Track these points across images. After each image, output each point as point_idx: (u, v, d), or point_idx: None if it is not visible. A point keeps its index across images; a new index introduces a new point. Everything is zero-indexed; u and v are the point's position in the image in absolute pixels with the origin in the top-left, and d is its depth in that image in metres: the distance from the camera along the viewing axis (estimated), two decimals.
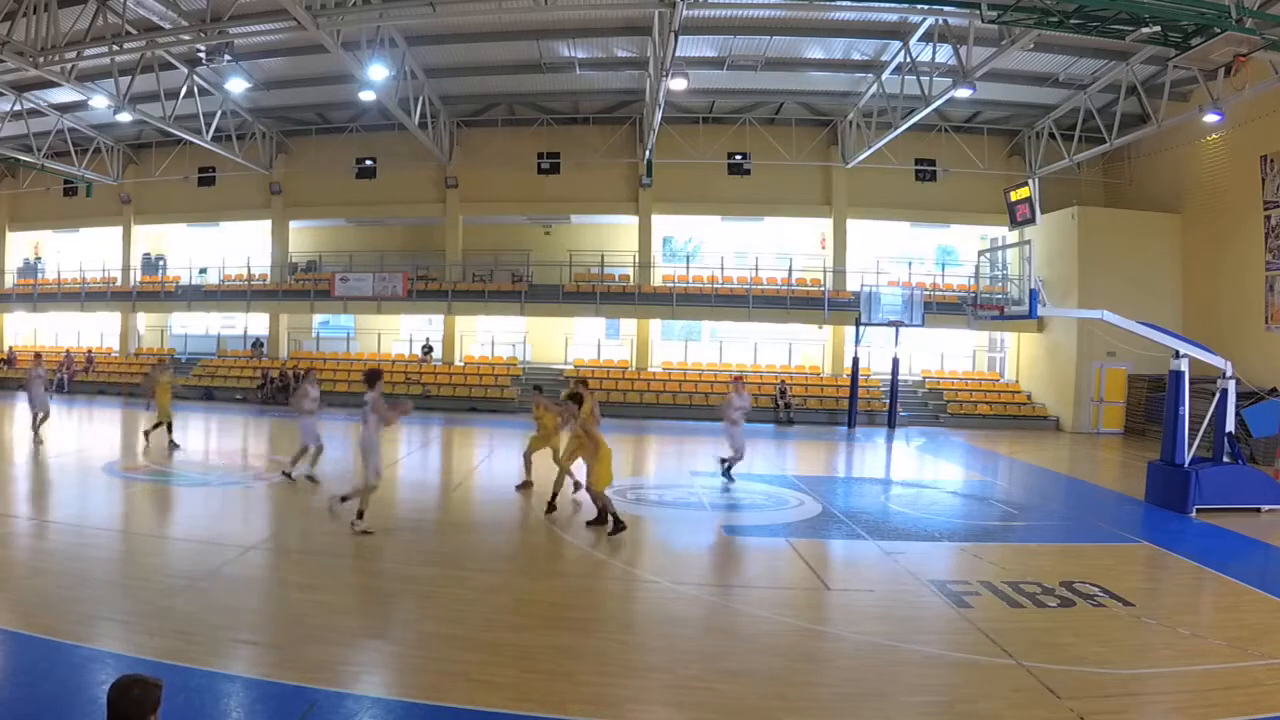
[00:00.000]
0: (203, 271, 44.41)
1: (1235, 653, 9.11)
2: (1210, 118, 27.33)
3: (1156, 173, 35.13)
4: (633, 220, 40.32)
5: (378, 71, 27.38)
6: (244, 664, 8.19)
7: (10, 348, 45.31)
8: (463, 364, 40.51)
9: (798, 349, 40.42)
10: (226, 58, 29.00)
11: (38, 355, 25.82)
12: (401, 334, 43.28)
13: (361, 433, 13.94)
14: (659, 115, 31.47)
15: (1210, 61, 20.01)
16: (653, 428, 30.99)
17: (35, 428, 22.67)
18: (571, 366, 39.68)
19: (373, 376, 14.14)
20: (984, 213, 37.14)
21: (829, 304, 37.49)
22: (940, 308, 36.67)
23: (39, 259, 47.61)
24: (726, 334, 41.47)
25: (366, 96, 29.82)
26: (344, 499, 13.98)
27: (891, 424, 34.08)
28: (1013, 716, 7.55)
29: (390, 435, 28.47)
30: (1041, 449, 28.36)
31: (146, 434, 22.41)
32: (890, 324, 33.74)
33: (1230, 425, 17.87)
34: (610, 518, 13.81)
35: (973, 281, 36.50)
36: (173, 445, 22.20)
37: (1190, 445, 17.50)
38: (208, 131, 35.15)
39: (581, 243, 41.98)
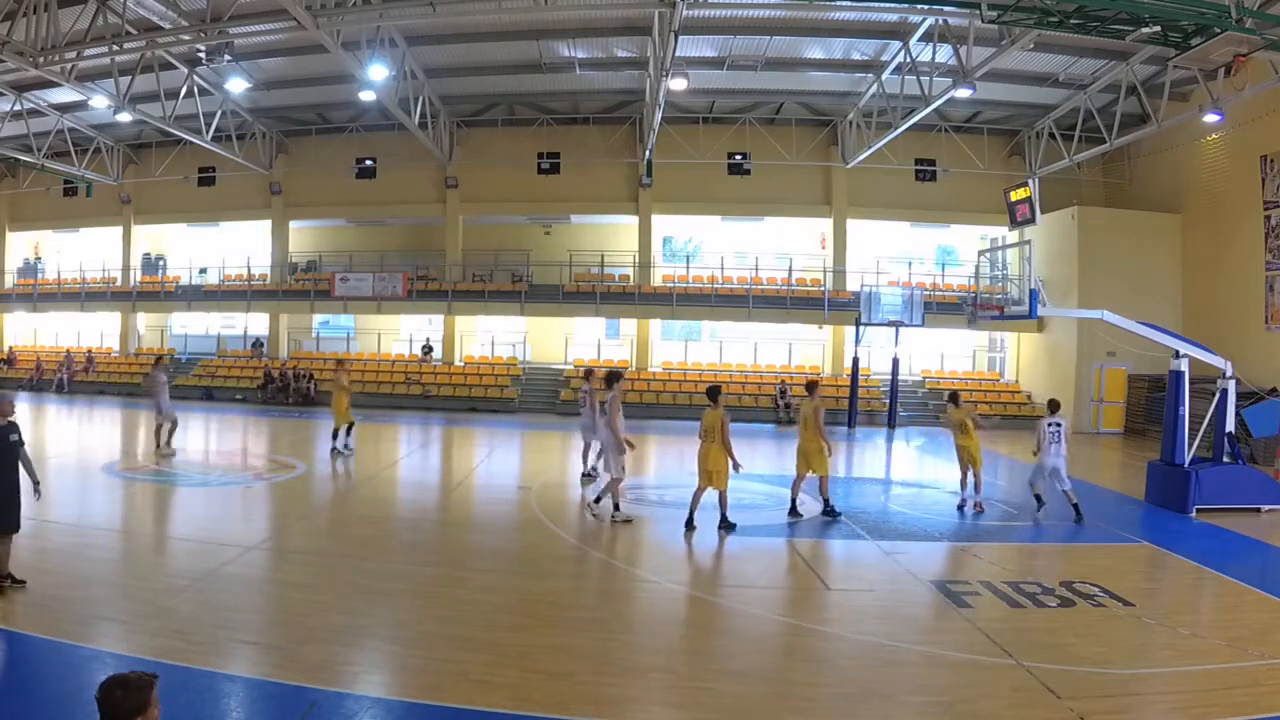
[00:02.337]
0: (203, 271, 44.44)
1: (1235, 653, 9.11)
2: (1210, 118, 27.35)
3: (1156, 173, 35.15)
4: (633, 220, 40.35)
5: (378, 71, 27.38)
6: (244, 664, 8.21)
7: (10, 348, 45.33)
8: (463, 364, 40.52)
9: (798, 349, 40.45)
10: (226, 58, 29.01)
11: (159, 359, 24.63)
12: (401, 334, 43.29)
13: (602, 432, 15.08)
14: (659, 115, 31.49)
15: (1210, 61, 20.02)
16: (653, 428, 30.96)
17: (166, 439, 21.59)
18: (571, 366, 39.71)
19: (612, 377, 15.45)
20: (984, 213, 37.16)
21: (829, 304, 37.52)
22: (940, 308, 36.69)
23: (39, 259, 47.63)
24: (726, 334, 41.51)
25: (366, 96, 29.84)
26: (597, 500, 15.25)
27: (891, 424, 34.07)
28: (1013, 716, 7.55)
29: (390, 435, 28.60)
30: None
31: (335, 443, 22.48)
32: (890, 324, 33.73)
33: (1230, 425, 17.88)
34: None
35: (973, 281, 36.50)
36: (346, 448, 22.49)
37: (1190, 445, 17.51)
38: (208, 131, 35.17)
39: (581, 243, 41.99)
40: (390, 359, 41.23)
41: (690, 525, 14.15)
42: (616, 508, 14.90)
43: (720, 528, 14.10)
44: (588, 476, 19.25)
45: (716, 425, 13.94)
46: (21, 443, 10.27)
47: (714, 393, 14.46)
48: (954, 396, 17.91)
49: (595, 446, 18.95)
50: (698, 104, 37.52)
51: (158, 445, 21.62)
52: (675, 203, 40.02)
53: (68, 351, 43.19)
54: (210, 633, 8.86)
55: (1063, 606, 10.66)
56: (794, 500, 15.70)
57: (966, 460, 17.00)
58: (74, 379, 40.75)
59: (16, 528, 10.07)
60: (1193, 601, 11.59)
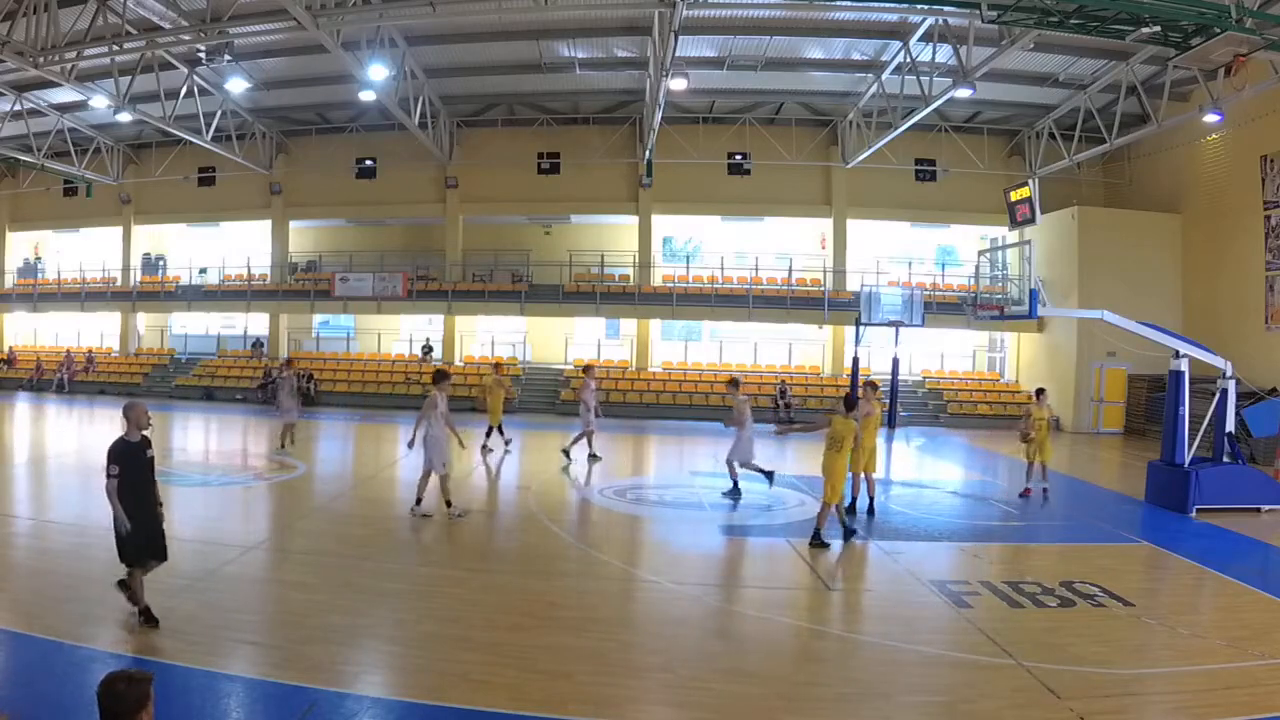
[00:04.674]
0: (203, 271, 44.49)
1: (1235, 653, 9.13)
2: (1210, 118, 27.34)
3: (1156, 173, 35.16)
4: (633, 220, 40.37)
5: (378, 71, 27.41)
6: (244, 664, 8.22)
7: (10, 348, 45.32)
8: (463, 364, 40.52)
9: (798, 349, 40.44)
10: (226, 58, 29.02)
11: (289, 361, 24.96)
12: (401, 334, 43.32)
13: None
14: (659, 115, 31.48)
15: (1210, 61, 20.01)
16: (653, 427, 31.00)
17: (285, 438, 22.36)
18: (571, 366, 39.73)
19: (438, 376, 15.45)
20: (984, 212, 37.15)
21: (829, 304, 37.54)
22: (940, 308, 36.69)
23: (39, 259, 47.65)
24: (726, 334, 41.51)
25: (366, 96, 29.85)
26: (418, 501, 15.24)
27: (891, 424, 34.02)
28: (1012, 717, 7.56)
29: (390, 435, 28.61)
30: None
31: (488, 441, 23.49)
32: (890, 324, 33.74)
33: (1230, 425, 17.89)
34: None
35: (972, 281, 36.50)
36: (485, 449, 23.41)
37: (1190, 445, 17.52)
38: (208, 131, 35.18)
39: (581, 243, 42.02)
40: (390, 359, 41.25)
41: (825, 542, 13.45)
42: (449, 504, 15.04)
43: (814, 543, 13.56)
44: (594, 457, 21.80)
45: (849, 436, 13.54)
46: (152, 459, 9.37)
47: (850, 403, 14.13)
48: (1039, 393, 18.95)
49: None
50: (698, 104, 37.52)
51: (282, 445, 22.29)
52: (675, 203, 40.03)
53: (68, 351, 43.21)
54: (210, 632, 8.88)
55: (1063, 606, 10.67)
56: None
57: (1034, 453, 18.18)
58: (74, 379, 40.77)
59: (164, 556, 9.40)
60: (1192, 601, 11.59)
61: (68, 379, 40.60)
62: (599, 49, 31.92)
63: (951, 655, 9.02)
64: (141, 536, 9.00)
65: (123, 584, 9.12)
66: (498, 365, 25.70)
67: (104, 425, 29.00)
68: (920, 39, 27.55)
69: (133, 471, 8.95)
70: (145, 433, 9.21)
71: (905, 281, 38.07)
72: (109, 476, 8.81)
